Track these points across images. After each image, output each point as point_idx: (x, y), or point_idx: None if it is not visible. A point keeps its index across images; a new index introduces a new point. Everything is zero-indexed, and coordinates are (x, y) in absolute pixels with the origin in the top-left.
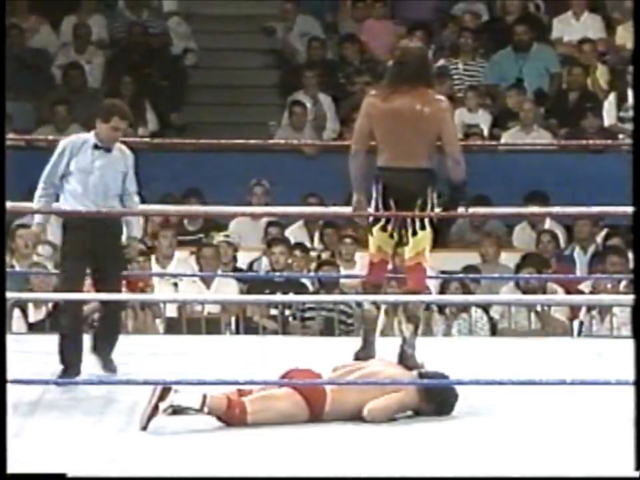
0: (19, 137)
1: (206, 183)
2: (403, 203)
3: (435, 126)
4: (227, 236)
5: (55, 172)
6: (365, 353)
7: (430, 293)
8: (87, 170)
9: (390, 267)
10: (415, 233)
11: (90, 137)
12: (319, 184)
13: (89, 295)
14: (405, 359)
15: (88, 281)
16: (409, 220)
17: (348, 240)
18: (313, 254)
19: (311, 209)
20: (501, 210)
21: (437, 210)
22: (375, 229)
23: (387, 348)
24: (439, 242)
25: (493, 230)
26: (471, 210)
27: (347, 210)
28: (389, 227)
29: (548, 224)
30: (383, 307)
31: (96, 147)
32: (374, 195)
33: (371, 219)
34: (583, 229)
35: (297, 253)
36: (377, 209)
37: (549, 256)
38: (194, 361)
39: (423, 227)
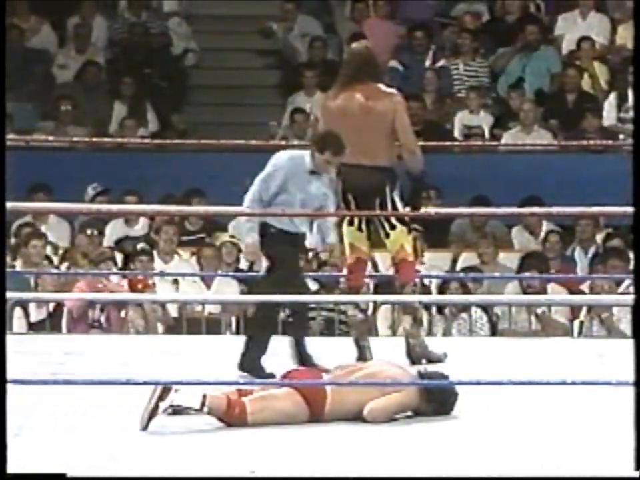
0: (19, 137)
1: (206, 183)
2: (360, 199)
3: (388, 119)
4: (233, 236)
5: (266, 188)
6: (362, 358)
7: (427, 290)
8: (302, 191)
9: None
10: (387, 235)
11: (306, 158)
12: None
13: (91, 295)
14: (412, 351)
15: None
16: (376, 221)
17: None
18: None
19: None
20: (501, 210)
21: (405, 208)
22: (344, 226)
23: (388, 348)
24: (438, 241)
25: (493, 230)
26: (471, 210)
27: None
28: (356, 221)
29: (545, 226)
30: (389, 307)
31: (312, 172)
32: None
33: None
34: (584, 229)
35: None
36: (338, 204)
37: (554, 256)
38: (194, 360)
39: (393, 227)
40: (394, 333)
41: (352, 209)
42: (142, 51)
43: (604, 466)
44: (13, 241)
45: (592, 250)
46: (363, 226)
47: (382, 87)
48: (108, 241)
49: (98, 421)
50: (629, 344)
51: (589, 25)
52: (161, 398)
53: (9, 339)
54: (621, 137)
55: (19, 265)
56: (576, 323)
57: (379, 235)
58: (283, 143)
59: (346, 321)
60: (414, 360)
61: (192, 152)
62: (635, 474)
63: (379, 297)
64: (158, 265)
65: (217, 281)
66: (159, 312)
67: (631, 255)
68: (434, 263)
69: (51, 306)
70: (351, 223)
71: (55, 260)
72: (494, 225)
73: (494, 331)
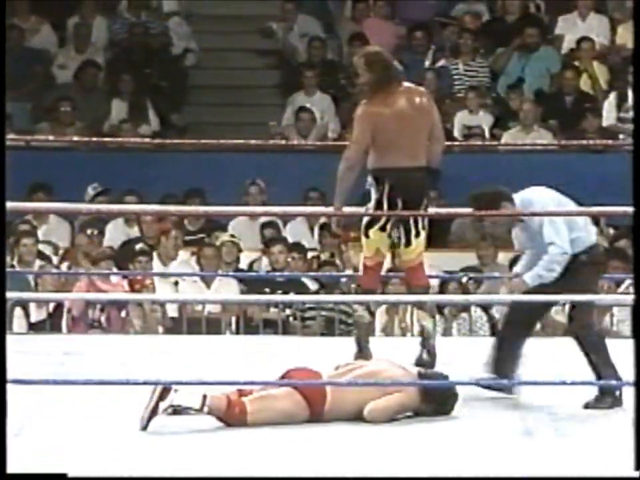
0: (19, 137)
1: (206, 183)
2: (410, 203)
3: (430, 117)
4: (233, 236)
5: None
6: (362, 357)
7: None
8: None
9: (388, 267)
10: (417, 234)
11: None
12: (320, 184)
13: (91, 295)
14: (428, 353)
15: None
16: (412, 221)
17: (353, 243)
18: (312, 254)
19: (311, 209)
20: (501, 210)
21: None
22: (373, 231)
23: (387, 348)
24: (438, 241)
25: (493, 230)
26: (471, 210)
27: (348, 210)
28: (388, 227)
29: None
30: (385, 307)
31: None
32: (374, 196)
33: (366, 220)
34: None
35: (295, 254)
36: (379, 210)
37: None
38: (194, 360)
39: (424, 227)
40: (387, 334)
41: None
42: (142, 51)
43: (604, 466)
44: (11, 240)
45: None
46: (393, 232)
47: (415, 85)
48: (108, 240)
49: (98, 421)
50: (629, 344)
51: (588, 25)
52: (161, 398)
53: (9, 339)
54: (621, 136)
55: (15, 263)
56: None
57: (409, 237)
58: (283, 142)
59: (346, 321)
60: (424, 364)
61: (192, 152)
62: (635, 474)
63: (380, 297)
64: (158, 265)
65: (216, 280)
66: (158, 312)
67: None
68: (434, 262)
69: (51, 306)
70: (382, 229)
71: (55, 260)
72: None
73: (494, 331)
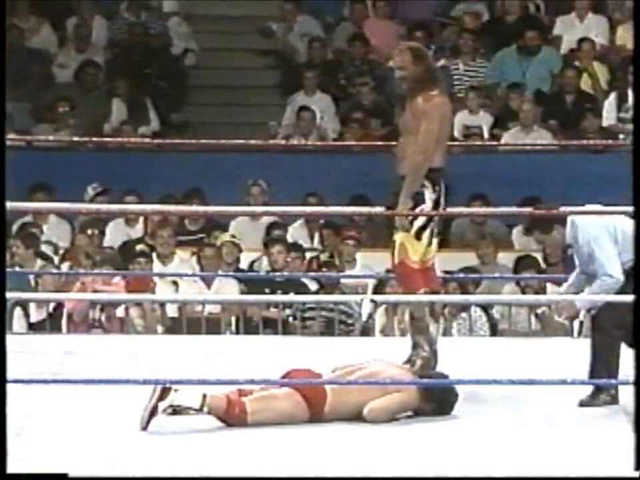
0: (19, 137)
1: (206, 183)
2: (449, 203)
3: None
4: (233, 236)
5: None
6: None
7: None
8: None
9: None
10: (438, 234)
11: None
12: (320, 184)
13: (91, 295)
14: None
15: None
16: (436, 220)
17: (350, 242)
18: (312, 254)
19: (311, 209)
20: (501, 210)
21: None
22: (427, 233)
23: (386, 348)
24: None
25: (493, 230)
26: (472, 210)
27: (347, 210)
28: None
29: None
30: (384, 307)
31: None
32: (430, 198)
33: (421, 223)
34: None
35: (293, 254)
36: (437, 204)
37: (556, 262)
38: (194, 361)
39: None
40: (386, 335)
41: (439, 219)
42: (142, 51)
43: (604, 466)
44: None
45: None
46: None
47: None
48: (108, 241)
49: (98, 421)
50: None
51: (586, 26)
52: (161, 398)
53: (9, 339)
54: (621, 136)
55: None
56: (576, 323)
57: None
58: (284, 142)
59: (346, 321)
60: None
61: (192, 152)
62: (635, 474)
63: (381, 297)
64: (157, 266)
65: (217, 280)
66: (158, 312)
67: None
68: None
69: (51, 306)
70: (432, 230)
71: (56, 260)
72: (494, 225)
73: (494, 331)
